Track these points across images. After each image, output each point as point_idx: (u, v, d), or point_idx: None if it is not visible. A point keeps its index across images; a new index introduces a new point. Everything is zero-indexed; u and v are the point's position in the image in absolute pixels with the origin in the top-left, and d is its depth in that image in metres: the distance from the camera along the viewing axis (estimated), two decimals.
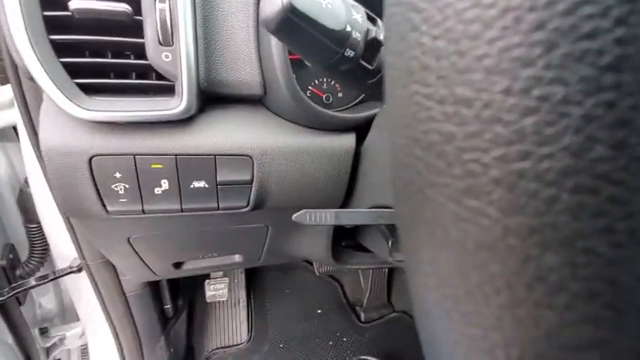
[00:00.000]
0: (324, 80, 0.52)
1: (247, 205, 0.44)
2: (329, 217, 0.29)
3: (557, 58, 0.09)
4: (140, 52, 0.34)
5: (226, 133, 0.40)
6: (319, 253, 0.62)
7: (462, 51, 0.10)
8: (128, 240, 0.49)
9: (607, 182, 0.09)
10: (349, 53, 0.24)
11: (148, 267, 0.57)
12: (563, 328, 0.10)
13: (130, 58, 0.36)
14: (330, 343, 1.06)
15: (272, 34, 0.22)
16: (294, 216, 0.29)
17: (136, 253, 0.53)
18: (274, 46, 0.37)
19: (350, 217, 0.31)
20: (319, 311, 1.12)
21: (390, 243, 0.47)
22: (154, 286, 0.77)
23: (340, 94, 0.53)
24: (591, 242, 0.09)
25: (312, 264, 1.14)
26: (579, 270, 0.09)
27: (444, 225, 0.11)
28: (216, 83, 0.39)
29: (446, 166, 0.11)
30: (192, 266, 0.63)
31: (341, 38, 0.23)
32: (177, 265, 0.62)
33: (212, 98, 0.40)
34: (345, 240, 0.69)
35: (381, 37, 0.26)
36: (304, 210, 0.29)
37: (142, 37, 0.34)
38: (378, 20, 0.27)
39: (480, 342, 0.11)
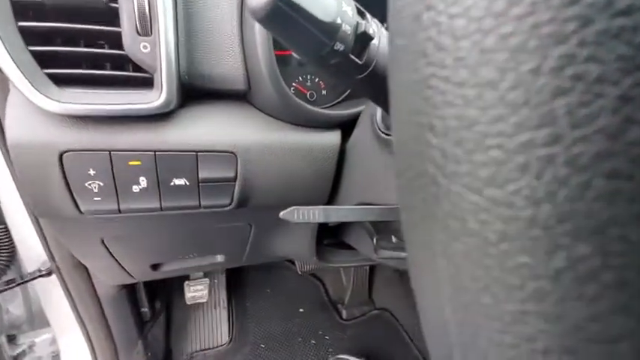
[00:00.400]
0: (308, 77, 0.51)
1: (230, 204, 0.43)
2: (318, 214, 0.29)
3: (593, 34, 0.08)
4: (116, 41, 0.33)
5: (209, 129, 0.39)
6: (303, 251, 0.61)
7: (485, 29, 0.09)
8: (102, 241, 0.47)
9: None
10: (339, 46, 0.24)
11: (124, 269, 0.55)
12: (591, 320, 0.09)
13: (104, 48, 0.34)
14: (313, 341, 1.05)
15: (261, 24, 0.21)
16: (281, 213, 0.28)
17: (111, 254, 0.50)
18: (259, 40, 0.36)
19: (339, 214, 0.30)
20: (301, 310, 1.11)
21: (374, 240, 0.47)
22: (129, 289, 0.74)
23: (324, 92, 0.52)
24: (625, 229, 0.09)
25: (293, 263, 1.13)
26: (611, 259, 0.09)
27: (462, 216, 0.11)
28: (198, 77, 0.38)
29: (465, 153, 0.10)
30: (171, 267, 0.61)
31: (331, 30, 0.23)
32: (156, 267, 0.59)
33: (194, 93, 0.39)
34: (327, 238, 0.69)
35: (371, 32, 0.26)
36: (292, 207, 0.28)
37: (118, 26, 0.32)
38: (367, 14, 0.26)
39: (502, 336, 0.11)
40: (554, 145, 0.09)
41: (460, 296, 0.11)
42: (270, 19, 0.21)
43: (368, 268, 1.15)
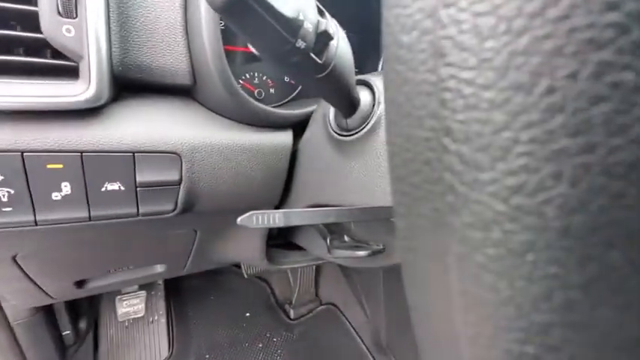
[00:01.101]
0: (255, 75, 0.49)
1: (174, 209, 0.39)
2: (278, 218, 0.27)
3: (629, 43, 0.08)
4: (31, 23, 0.27)
5: (148, 127, 0.35)
6: (253, 255, 0.59)
7: (517, 30, 0.09)
8: (14, 258, 0.40)
9: None
10: (300, 44, 0.23)
11: (42, 289, 0.47)
12: (621, 327, 0.09)
13: (16, 30, 0.28)
14: (260, 345, 1.03)
15: (219, 14, 0.19)
16: (239, 219, 0.26)
17: (25, 274, 0.43)
18: (206, 30, 0.34)
19: (300, 217, 0.29)
20: (247, 314, 1.08)
21: (328, 240, 0.47)
22: (46, 310, 0.64)
23: (272, 90, 0.51)
24: None
25: (238, 266, 1.09)
26: None
27: (484, 226, 0.10)
28: (134, 68, 0.33)
29: (490, 160, 0.10)
30: (100, 283, 0.54)
31: (294, 26, 0.22)
32: (81, 284, 0.52)
33: (130, 86, 0.34)
34: (274, 239, 0.68)
35: (331, 31, 0.25)
36: (250, 212, 0.27)
37: (35, 5, 0.27)
38: (326, 13, 0.26)
39: (522, 347, 0.10)
40: (589, 153, 0.09)
41: (476, 308, 0.11)
42: (231, 10, 0.19)
43: (314, 266, 1.16)
